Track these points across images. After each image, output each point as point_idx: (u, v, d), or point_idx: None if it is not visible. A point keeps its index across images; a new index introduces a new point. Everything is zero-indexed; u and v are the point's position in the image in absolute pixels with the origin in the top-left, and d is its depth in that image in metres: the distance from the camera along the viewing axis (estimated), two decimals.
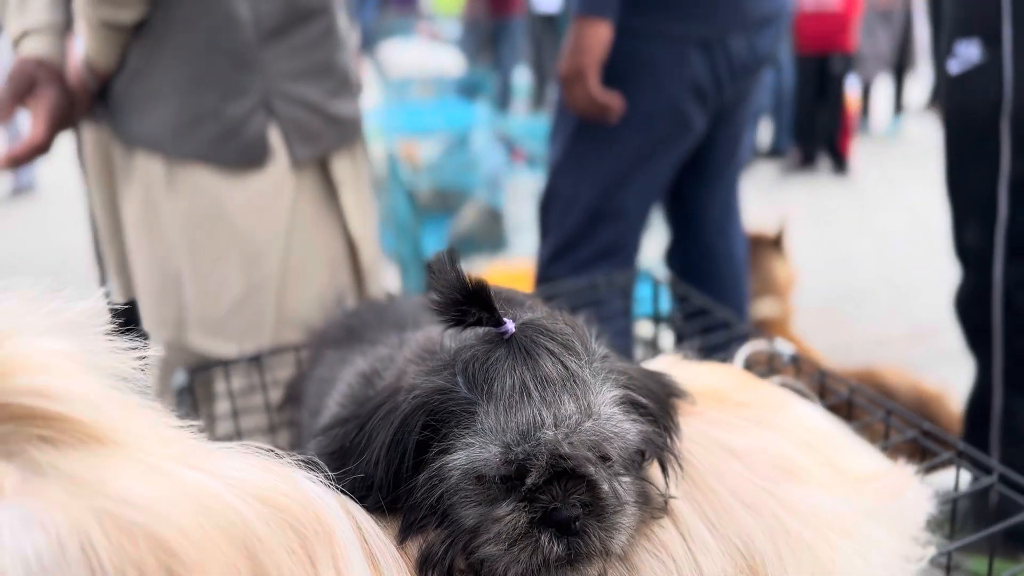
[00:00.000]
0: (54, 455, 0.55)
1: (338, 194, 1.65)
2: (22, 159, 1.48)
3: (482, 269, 4.05)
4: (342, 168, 1.66)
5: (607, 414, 0.72)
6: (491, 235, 4.29)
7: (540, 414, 0.68)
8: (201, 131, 1.49)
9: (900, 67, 7.88)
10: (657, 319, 1.65)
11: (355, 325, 1.14)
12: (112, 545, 0.53)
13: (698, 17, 2.04)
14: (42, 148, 1.49)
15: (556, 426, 0.68)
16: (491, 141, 4.42)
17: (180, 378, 1.34)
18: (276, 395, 1.37)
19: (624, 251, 2.21)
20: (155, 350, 0.65)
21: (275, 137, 1.54)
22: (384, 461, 0.71)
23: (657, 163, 2.16)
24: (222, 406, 1.45)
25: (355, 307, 1.30)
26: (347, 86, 1.66)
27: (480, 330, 0.73)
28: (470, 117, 4.62)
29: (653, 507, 0.76)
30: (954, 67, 1.83)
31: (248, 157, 1.51)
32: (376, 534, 0.69)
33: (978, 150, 1.81)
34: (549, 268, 2.21)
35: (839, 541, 0.80)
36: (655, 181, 2.19)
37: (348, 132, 1.66)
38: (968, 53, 1.78)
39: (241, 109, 1.50)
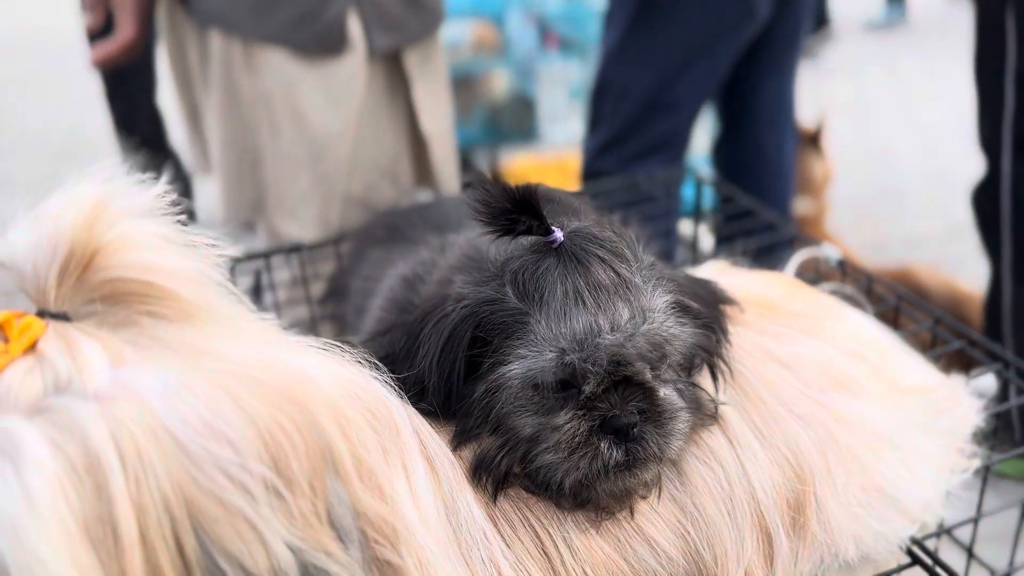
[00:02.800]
0: (166, 327, 0.56)
1: (410, 89, 1.57)
2: (114, 59, 1.45)
3: (512, 159, 3.99)
4: (416, 61, 1.57)
5: (661, 319, 0.71)
6: (521, 124, 4.19)
7: (596, 320, 0.68)
8: (279, 12, 1.43)
9: None
10: (697, 218, 1.62)
11: (399, 224, 1.13)
12: (259, 401, 0.54)
13: None
14: (135, 47, 1.45)
15: (613, 331, 0.68)
16: (523, 23, 4.25)
17: None
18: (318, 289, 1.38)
19: (676, 145, 2.14)
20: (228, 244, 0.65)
21: (354, 24, 1.46)
22: (436, 370, 0.72)
23: (718, 52, 2.07)
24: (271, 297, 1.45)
25: (398, 205, 1.28)
26: None
27: (528, 240, 0.71)
28: None
29: (704, 413, 0.77)
30: None
31: (325, 43, 1.45)
32: (432, 436, 0.70)
33: (991, 39, 1.76)
34: (597, 161, 2.15)
35: (887, 452, 0.80)
36: (713, 71, 2.10)
37: (429, 21, 1.57)
38: None
39: None
